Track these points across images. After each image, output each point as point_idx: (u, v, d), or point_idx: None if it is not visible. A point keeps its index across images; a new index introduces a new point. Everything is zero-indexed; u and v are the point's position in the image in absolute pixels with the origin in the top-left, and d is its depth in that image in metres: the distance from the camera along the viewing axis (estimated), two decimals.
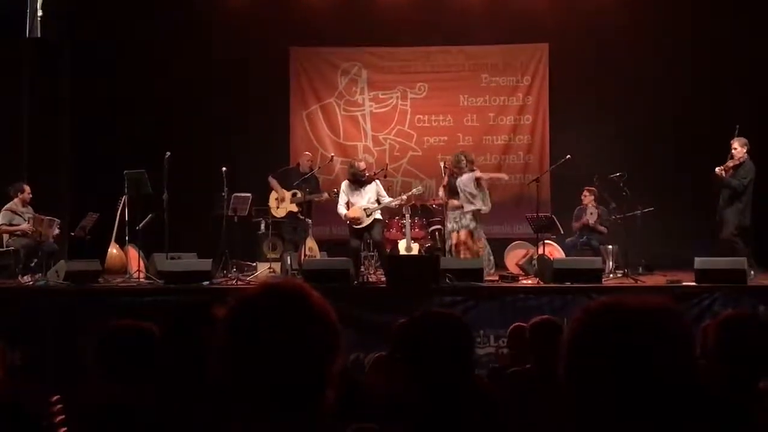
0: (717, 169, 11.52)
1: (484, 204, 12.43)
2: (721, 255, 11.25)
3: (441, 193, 13.12)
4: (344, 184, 12.64)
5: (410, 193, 13.51)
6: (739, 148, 11.56)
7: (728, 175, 11.54)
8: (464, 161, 12.50)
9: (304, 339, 1.79)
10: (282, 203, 13.28)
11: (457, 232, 12.32)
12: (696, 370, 1.65)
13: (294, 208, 13.17)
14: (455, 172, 12.50)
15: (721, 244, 11.59)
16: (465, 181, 12.36)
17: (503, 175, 13.69)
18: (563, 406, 1.68)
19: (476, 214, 12.36)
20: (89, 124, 14.96)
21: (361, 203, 12.36)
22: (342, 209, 12.42)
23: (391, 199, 12.83)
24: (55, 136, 14.50)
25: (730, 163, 11.50)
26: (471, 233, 12.39)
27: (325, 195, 13.15)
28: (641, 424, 1.58)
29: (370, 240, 12.78)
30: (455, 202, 12.45)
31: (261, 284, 1.93)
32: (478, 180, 12.45)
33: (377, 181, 12.72)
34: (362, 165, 12.82)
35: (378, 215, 12.47)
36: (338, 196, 12.54)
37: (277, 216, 13.36)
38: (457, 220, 12.35)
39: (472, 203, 12.29)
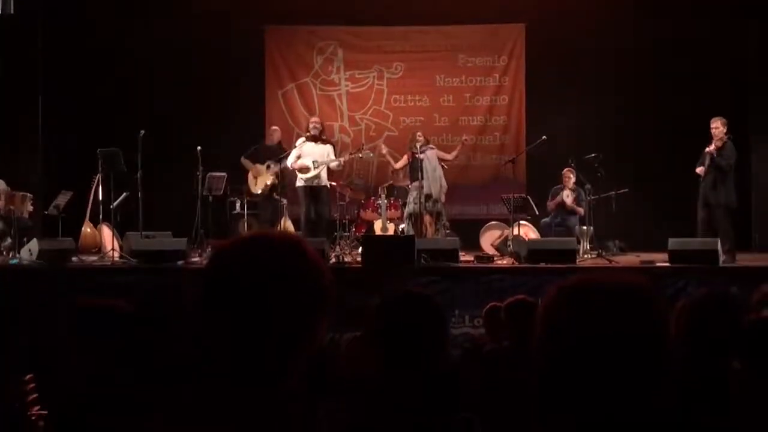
0: (707, 150, 11.45)
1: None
2: (701, 236, 11.30)
3: (400, 174, 13.34)
4: (300, 140, 12.94)
5: (356, 155, 13.59)
6: (720, 127, 11.49)
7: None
8: (422, 139, 12.70)
9: (289, 292, 1.68)
10: (259, 178, 13.25)
11: (420, 215, 12.46)
12: (669, 350, 1.64)
13: (270, 179, 13.11)
14: (414, 150, 12.65)
15: (701, 224, 11.58)
16: (429, 156, 12.53)
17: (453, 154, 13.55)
18: (535, 383, 1.67)
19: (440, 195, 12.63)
20: (63, 102, 14.83)
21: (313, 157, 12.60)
22: (290, 160, 12.70)
23: (338, 161, 12.96)
24: (28, 113, 14.35)
25: (719, 143, 11.41)
26: (438, 215, 12.65)
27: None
28: (612, 402, 1.57)
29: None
30: (417, 183, 12.58)
31: (252, 233, 1.81)
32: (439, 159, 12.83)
33: (333, 145, 13.02)
34: (315, 118, 13.27)
35: (325, 180, 12.68)
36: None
37: (256, 192, 13.30)
38: (419, 200, 12.47)
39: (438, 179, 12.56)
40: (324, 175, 12.72)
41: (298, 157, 12.65)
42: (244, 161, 13.36)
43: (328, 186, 12.87)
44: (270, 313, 1.65)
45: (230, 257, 1.72)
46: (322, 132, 12.99)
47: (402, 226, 13.06)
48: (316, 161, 12.55)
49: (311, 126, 12.95)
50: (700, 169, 11.57)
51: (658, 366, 1.59)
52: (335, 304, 1.76)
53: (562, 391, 1.61)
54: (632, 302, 1.62)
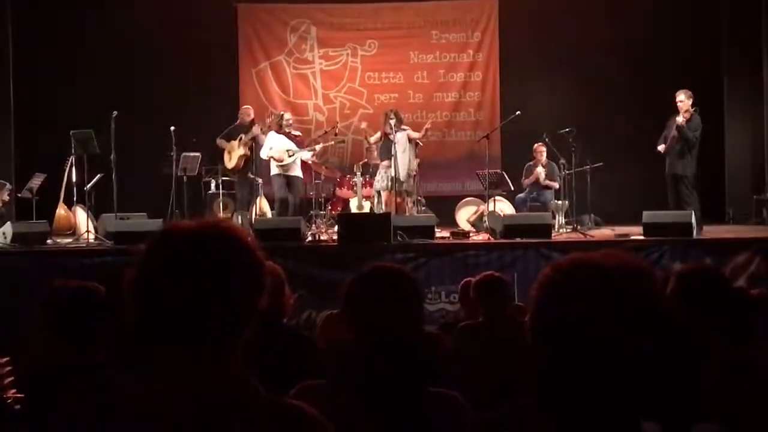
0: (679, 120, 11.45)
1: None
2: (672, 208, 11.37)
3: (374, 152, 13.31)
4: (271, 133, 12.79)
5: (330, 143, 13.58)
6: (686, 100, 11.52)
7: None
8: (394, 119, 12.60)
9: (222, 276, 1.70)
10: (233, 153, 13.17)
11: (391, 191, 12.47)
12: (665, 329, 1.61)
13: (243, 150, 13.03)
14: (388, 131, 12.59)
15: (672, 197, 11.66)
16: (399, 139, 12.48)
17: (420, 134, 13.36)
18: (527, 363, 1.64)
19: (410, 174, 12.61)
20: (33, 84, 14.70)
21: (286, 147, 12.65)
22: (263, 152, 12.64)
23: (312, 150, 13.03)
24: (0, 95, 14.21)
25: (687, 115, 11.43)
26: (407, 193, 12.64)
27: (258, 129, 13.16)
28: (610, 383, 1.55)
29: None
30: (386, 162, 12.56)
31: (186, 223, 1.82)
32: (410, 139, 12.63)
33: (300, 145, 12.94)
34: (288, 115, 13.20)
35: (299, 171, 12.66)
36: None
37: (231, 167, 13.21)
38: (389, 178, 12.47)
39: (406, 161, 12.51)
40: (298, 163, 12.69)
41: (270, 149, 12.59)
42: (220, 141, 13.31)
43: (301, 176, 12.81)
44: (202, 301, 1.68)
45: (161, 248, 1.74)
46: (291, 127, 13.01)
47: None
48: (291, 150, 12.50)
49: (284, 123, 12.83)
50: (661, 147, 11.62)
51: (654, 343, 1.57)
52: (267, 285, 1.79)
53: (557, 369, 1.58)
54: (628, 280, 1.59)
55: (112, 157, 11.56)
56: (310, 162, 13.05)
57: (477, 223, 12.79)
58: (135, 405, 1.66)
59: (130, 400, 1.66)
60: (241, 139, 13.05)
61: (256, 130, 12.93)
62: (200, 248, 1.72)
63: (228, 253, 1.73)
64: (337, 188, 13.89)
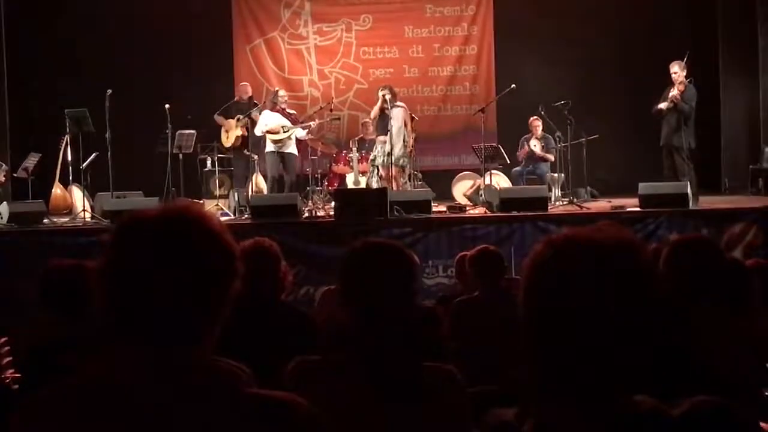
0: (672, 94, 11.45)
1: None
2: (667, 180, 11.38)
3: (370, 128, 13.30)
4: (265, 111, 12.80)
5: (325, 120, 13.57)
6: (680, 71, 11.50)
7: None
8: (389, 94, 12.56)
9: (190, 265, 1.66)
10: (230, 132, 13.21)
11: (387, 166, 12.44)
12: (657, 303, 1.61)
13: (240, 131, 13.07)
14: (384, 106, 12.55)
15: (668, 168, 11.67)
16: (396, 115, 12.45)
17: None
18: (520, 341, 1.64)
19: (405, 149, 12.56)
20: (27, 63, 14.65)
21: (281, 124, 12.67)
22: (258, 129, 12.64)
23: (307, 126, 12.98)
24: None
25: (681, 87, 11.43)
26: (403, 168, 12.62)
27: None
28: (603, 358, 1.56)
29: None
30: (383, 137, 12.54)
31: (152, 210, 1.76)
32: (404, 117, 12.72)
33: (294, 123, 12.88)
34: (282, 92, 13.23)
35: (294, 149, 12.69)
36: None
37: (228, 146, 13.26)
38: (387, 153, 12.45)
39: (401, 138, 12.47)
40: (293, 140, 12.69)
41: (265, 126, 12.59)
42: (218, 118, 13.32)
43: (296, 153, 12.82)
44: (171, 291, 1.64)
45: (127, 237, 1.71)
46: (286, 105, 13.02)
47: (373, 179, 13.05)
48: (285, 126, 12.51)
49: (279, 100, 12.85)
50: (664, 104, 11.54)
51: (647, 317, 1.57)
52: (240, 270, 1.74)
53: (550, 345, 1.58)
54: (621, 257, 1.58)
55: (107, 135, 11.54)
56: (306, 139, 13.03)
57: (473, 197, 12.79)
58: (110, 402, 1.62)
59: (104, 397, 1.63)
60: (239, 119, 13.07)
61: (255, 115, 12.91)
62: (167, 236, 1.67)
63: (196, 240, 1.68)
64: (334, 164, 13.89)
